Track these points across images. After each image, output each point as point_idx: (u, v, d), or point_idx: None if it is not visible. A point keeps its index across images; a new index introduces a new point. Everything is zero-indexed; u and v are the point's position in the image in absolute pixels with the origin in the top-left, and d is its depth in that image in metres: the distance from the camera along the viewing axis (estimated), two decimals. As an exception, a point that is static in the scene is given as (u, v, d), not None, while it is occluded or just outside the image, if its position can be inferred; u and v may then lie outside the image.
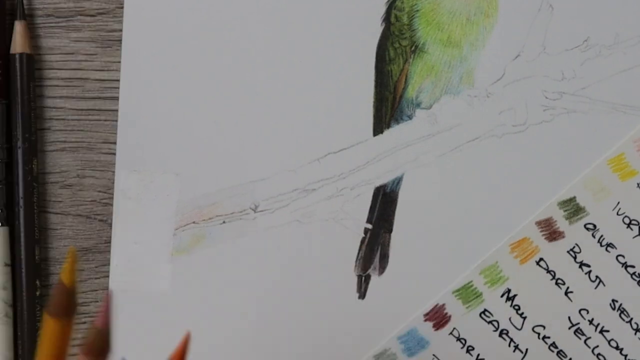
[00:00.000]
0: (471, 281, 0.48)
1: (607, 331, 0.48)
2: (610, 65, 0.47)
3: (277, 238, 0.47)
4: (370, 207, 0.48)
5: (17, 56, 0.46)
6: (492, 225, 0.48)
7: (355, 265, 0.47)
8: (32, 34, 0.47)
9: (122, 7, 0.47)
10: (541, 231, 0.47)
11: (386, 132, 0.48)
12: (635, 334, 0.48)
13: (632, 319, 0.48)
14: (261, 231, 0.47)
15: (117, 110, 0.47)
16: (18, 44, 0.46)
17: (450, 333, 0.48)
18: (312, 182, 0.47)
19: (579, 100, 0.47)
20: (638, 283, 0.48)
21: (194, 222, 0.47)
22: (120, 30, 0.47)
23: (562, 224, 0.47)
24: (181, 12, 0.47)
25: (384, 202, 0.48)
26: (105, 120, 0.47)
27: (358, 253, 0.48)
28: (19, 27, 0.46)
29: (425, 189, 0.48)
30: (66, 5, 0.47)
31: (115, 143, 0.47)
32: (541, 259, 0.48)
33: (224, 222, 0.47)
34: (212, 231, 0.47)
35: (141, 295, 0.47)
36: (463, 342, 0.48)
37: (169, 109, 0.47)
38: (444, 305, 0.48)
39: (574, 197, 0.47)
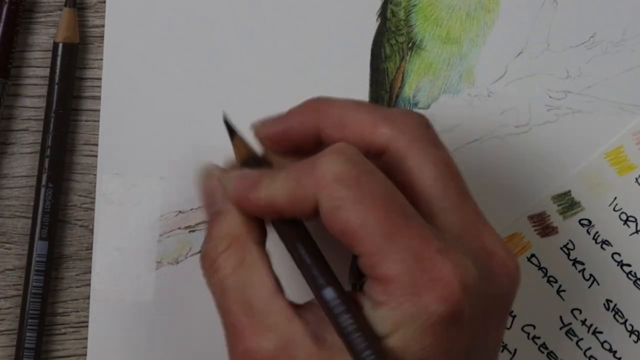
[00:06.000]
0: (459, 276, 0.48)
1: (601, 332, 0.48)
2: (617, 63, 0.47)
3: (267, 245, 0.46)
4: (365, 212, 0.47)
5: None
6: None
7: (350, 274, 0.46)
8: (10, 29, 0.47)
9: (104, 2, 0.46)
10: (533, 226, 0.47)
11: (382, 133, 0.47)
12: (630, 336, 0.48)
13: (626, 320, 0.48)
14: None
15: (98, 111, 0.47)
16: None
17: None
18: (304, 186, 0.47)
19: (585, 100, 0.47)
20: (634, 283, 0.48)
21: (179, 228, 0.47)
22: (103, 26, 0.46)
23: (555, 219, 0.47)
24: (167, 8, 0.46)
25: (380, 207, 0.47)
26: (86, 121, 0.47)
27: (352, 261, 0.46)
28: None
29: (423, 193, 0.47)
30: (45, 0, 0.46)
31: (96, 145, 0.47)
32: (533, 255, 0.47)
33: (211, 227, 0.46)
34: (198, 237, 0.47)
35: (124, 304, 0.46)
36: (450, 340, 0.48)
37: (154, 109, 0.47)
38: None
39: (569, 191, 0.47)
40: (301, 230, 0.35)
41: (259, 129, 0.38)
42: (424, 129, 0.36)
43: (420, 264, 0.32)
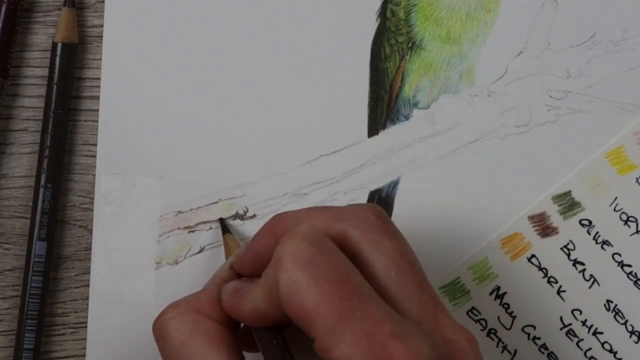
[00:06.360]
0: (459, 277, 0.47)
1: (601, 333, 0.48)
2: (617, 63, 0.47)
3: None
4: (365, 212, 0.47)
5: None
6: (493, 232, 0.48)
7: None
8: (8, 29, 0.47)
9: (103, 2, 0.46)
10: (534, 226, 0.47)
11: (382, 133, 0.47)
12: (630, 336, 0.48)
13: (627, 320, 0.48)
14: (250, 238, 0.46)
15: (97, 111, 0.46)
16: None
17: (436, 331, 0.48)
18: (303, 186, 0.47)
19: (585, 100, 0.47)
20: (634, 283, 0.48)
21: (178, 229, 0.47)
22: (101, 26, 0.46)
23: (556, 219, 0.47)
24: (166, 8, 0.46)
25: (380, 207, 0.47)
26: (85, 121, 0.47)
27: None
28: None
29: (422, 194, 0.47)
30: (44, 0, 0.46)
31: (95, 145, 0.46)
32: (533, 256, 0.47)
33: (210, 228, 0.47)
34: (198, 238, 0.47)
35: (123, 305, 0.46)
36: (449, 340, 0.48)
37: (153, 109, 0.46)
38: (430, 302, 0.47)
39: (569, 191, 0.47)
40: (277, 337, 0.36)
41: (237, 263, 0.38)
42: (376, 221, 0.36)
43: (372, 347, 0.32)
